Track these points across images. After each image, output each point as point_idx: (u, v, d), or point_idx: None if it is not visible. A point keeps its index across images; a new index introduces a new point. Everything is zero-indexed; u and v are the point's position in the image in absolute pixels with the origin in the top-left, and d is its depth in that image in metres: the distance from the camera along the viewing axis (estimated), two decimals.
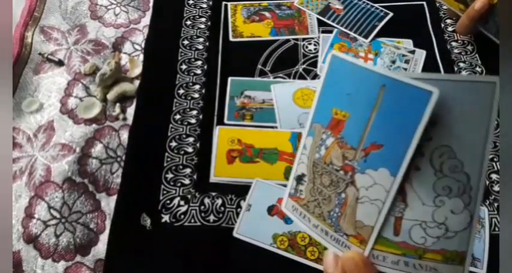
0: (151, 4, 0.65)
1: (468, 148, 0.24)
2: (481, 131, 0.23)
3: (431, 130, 0.23)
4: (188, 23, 0.63)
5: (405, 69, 0.58)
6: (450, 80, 0.24)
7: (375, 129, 0.25)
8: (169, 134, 0.53)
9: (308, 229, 0.29)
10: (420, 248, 0.25)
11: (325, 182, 0.28)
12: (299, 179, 0.30)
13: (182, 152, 0.52)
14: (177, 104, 0.55)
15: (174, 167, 0.50)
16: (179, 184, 0.49)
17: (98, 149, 0.52)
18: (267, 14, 0.64)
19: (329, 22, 0.62)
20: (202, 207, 0.48)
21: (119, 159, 0.52)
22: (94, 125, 0.54)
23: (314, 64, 0.59)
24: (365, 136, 0.25)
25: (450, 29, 0.62)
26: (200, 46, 0.60)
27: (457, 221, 0.24)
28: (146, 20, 0.64)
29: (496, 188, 0.49)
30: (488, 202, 0.48)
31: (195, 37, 0.61)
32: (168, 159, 0.51)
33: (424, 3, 0.65)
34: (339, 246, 0.27)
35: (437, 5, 0.64)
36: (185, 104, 0.55)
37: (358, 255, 0.26)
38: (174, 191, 0.49)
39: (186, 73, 0.58)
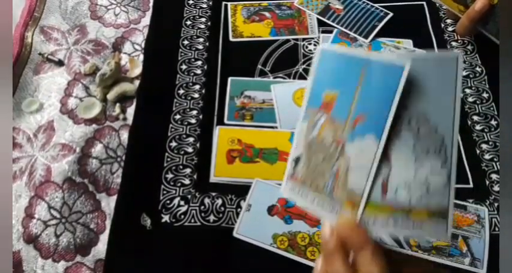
0: (151, 4, 0.65)
1: (440, 113, 0.27)
2: (450, 97, 0.27)
3: (407, 100, 0.27)
4: (188, 23, 0.63)
5: None
6: (420, 58, 0.28)
7: (360, 103, 0.28)
8: (169, 134, 0.53)
9: (306, 204, 0.31)
10: (406, 207, 0.27)
11: (319, 159, 0.30)
12: (296, 160, 0.32)
13: (182, 152, 0.52)
14: (177, 104, 0.55)
15: (174, 167, 0.50)
16: (179, 184, 0.49)
17: (98, 149, 0.52)
18: (267, 14, 0.64)
19: (329, 22, 0.62)
20: (202, 207, 0.48)
21: (119, 159, 0.52)
22: (94, 125, 0.54)
23: None
24: (352, 110, 0.29)
25: (450, 29, 0.62)
26: (200, 46, 0.60)
27: (437, 178, 0.27)
28: (146, 20, 0.64)
29: (496, 188, 0.49)
30: (488, 202, 0.48)
31: (195, 37, 0.61)
32: (168, 159, 0.51)
33: (424, 3, 0.65)
34: (335, 215, 0.29)
35: (437, 5, 0.64)
36: (185, 104, 0.55)
37: (350, 220, 0.28)
38: (174, 191, 0.49)
39: (186, 73, 0.58)
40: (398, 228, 0.27)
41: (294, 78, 0.58)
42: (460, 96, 0.27)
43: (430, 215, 0.27)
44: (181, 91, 0.56)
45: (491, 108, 0.54)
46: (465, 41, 0.61)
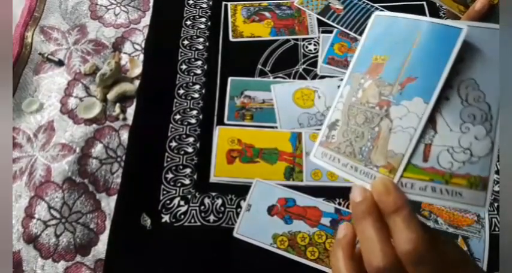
0: (151, 4, 0.65)
1: (489, 81, 0.27)
2: (497, 64, 0.27)
3: (459, 66, 0.27)
4: (188, 23, 0.63)
5: None
6: (476, 26, 0.28)
7: (411, 65, 0.28)
8: (169, 134, 0.53)
9: (337, 169, 0.30)
10: (447, 172, 0.27)
11: (359, 121, 0.30)
12: (332, 125, 0.31)
13: (182, 152, 0.52)
14: (177, 104, 0.55)
15: (174, 167, 0.50)
16: (179, 184, 0.49)
17: (98, 149, 0.52)
18: (267, 14, 0.64)
19: (329, 22, 0.62)
20: (202, 207, 0.48)
21: (119, 159, 0.52)
22: (94, 125, 0.54)
23: (314, 64, 0.59)
24: (402, 72, 0.28)
25: None
26: (200, 46, 0.60)
27: (481, 146, 0.27)
28: (146, 20, 0.64)
29: (496, 188, 0.49)
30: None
31: (195, 37, 0.61)
32: (168, 159, 0.51)
33: (424, 3, 0.65)
34: (368, 179, 0.28)
35: (437, 5, 0.64)
36: (185, 104, 0.55)
37: (388, 179, 0.27)
38: (174, 191, 0.49)
39: (186, 73, 0.58)
40: (437, 194, 0.27)
41: (294, 78, 0.58)
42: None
43: (470, 183, 0.26)
44: (181, 91, 0.56)
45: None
46: None
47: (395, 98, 0.28)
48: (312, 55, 0.60)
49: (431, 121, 0.27)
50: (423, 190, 0.27)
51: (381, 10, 0.64)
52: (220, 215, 0.48)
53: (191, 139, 0.53)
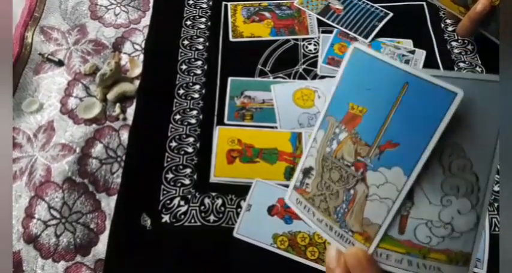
0: (151, 4, 0.65)
1: (478, 148, 0.24)
2: (493, 131, 0.24)
3: (445, 128, 0.23)
4: (188, 23, 0.63)
5: None
6: (467, 79, 0.24)
7: (393, 126, 0.24)
8: (169, 134, 0.53)
9: (312, 223, 0.28)
10: (425, 247, 0.24)
11: (334, 178, 0.27)
12: (306, 172, 0.29)
13: (182, 152, 0.52)
14: (177, 104, 0.55)
15: (174, 167, 0.50)
16: (179, 184, 0.49)
17: (98, 149, 0.52)
18: (267, 14, 0.64)
19: (329, 22, 0.62)
20: (202, 207, 0.48)
21: (119, 159, 0.52)
22: (94, 125, 0.54)
23: (314, 64, 0.59)
24: (382, 134, 0.25)
25: (450, 28, 0.62)
26: (200, 46, 0.60)
27: (464, 221, 0.24)
28: (146, 20, 0.64)
29: (496, 188, 0.49)
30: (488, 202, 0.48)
31: (195, 37, 0.61)
32: (168, 159, 0.51)
33: (424, 3, 0.65)
34: (343, 242, 0.27)
35: (438, 5, 0.64)
36: (185, 104, 0.55)
37: (362, 252, 0.25)
38: (174, 191, 0.49)
39: (186, 73, 0.58)
40: (413, 268, 0.24)
41: (294, 78, 0.58)
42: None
43: (449, 259, 0.24)
44: (181, 91, 0.56)
45: None
46: (465, 41, 0.61)
47: (372, 162, 0.25)
48: (312, 55, 0.60)
49: (408, 191, 0.24)
50: (399, 263, 0.25)
51: (381, 10, 0.64)
52: (220, 215, 0.48)
53: (191, 139, 0.53)
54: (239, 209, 0.48)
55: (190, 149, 0.52)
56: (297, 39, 0.61)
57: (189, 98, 0.56)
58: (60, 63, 0.59)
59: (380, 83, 0.25)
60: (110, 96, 0.55)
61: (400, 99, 0.24)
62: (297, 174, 0.30)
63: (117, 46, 0.61)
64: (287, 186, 0.49)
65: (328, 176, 0.27)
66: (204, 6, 0.65)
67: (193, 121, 0.54)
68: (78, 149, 0.52)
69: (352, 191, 0.26)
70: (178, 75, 0.58)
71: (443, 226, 0.24)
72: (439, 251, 0.24)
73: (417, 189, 0.24)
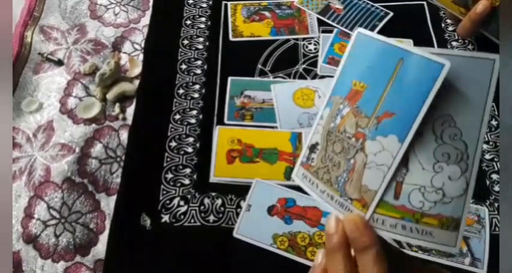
0: (151, 4, 0.65)
1: (467, 118, 0.26)
2: (481, 102, 0.26)
3: (435, 100, 0.25)
4: (188, 22, 0.63)
5: None
6: (458, 55, 0.26)
7: (389, 98, 0.27)
8: (169, 134, 0.53)
9: (315, 195, 0.30)
10: (418, 212, 0.26)
11: (336, 149, 0.29)
12: (312, 147, 0.31)
13: (182, 152, 0.51)
14: (177, 104, 0.55)
15: (174, 167, 0.50)
16: (179, 184, 0.49)
17: (97, 149, 0.52)
18: (267, 13, 0.64)
19: (329, 22, 0.62)
20: (202, 207, 0.48)
21: (118, 159, 0.52)
22: (94, 125, 0.54)
23: (314, 64, 0.59)
24: (379, 105, 0.27)
25: (450, 28, 0.62)
26: (200, 46, 0.60)
27: (454, 187, 0.26)
28: (146, 20, 0.63)
29: (496, 188, 0.49)
30: (488, 202, 0.48)
31: (195, 37, 0.61)
32: (168, 159, 0.51)
33: (424, 3, 0.65)
34: (343, 210, 0.28)
35: (438, 5, 0.64)
36: (185, 104, 0.55)
37: (359, 217, 0.27)
38: (174, 191, 0.49)
39: (186, 73, 0.58)
40: (407, 232, 0.26)
41: (294, 77, 0.58)
42: (491, 102, 0.25)
43: (441, 223, 0.26)
44: (181, 91, 0.56)
45: (492, 108, 0.54)
46: (465, 41, 0.61)
47: (371, 132, 0.27)
48: (312, 55, 0.60)
49: (403, 158, 0.26)
50: (393, 227, 0.26)
51: (381, 10, 0.63)
52: (220, 215, 0.48)
53: (191, 139, 0.52)
54: (239, 209, 0.48)
55: (190, 149, 0.52)
56: (297, 39, 0.61)
57: (189, 98, 0.56)
58: (59, 63, 0.59)
59: (379, 61, 0.28)
60: (110, 95, 0.55)
61: (396, 73, 0.27)
62: (304, 150, 0.32)
63: (116, 46, 0.61)
64: (287, 186, 0.49)
65: (332, 149, 0.29)
66: (204, 5, 0.64)
67: (193, 121, 0.54)
68: (77, 149, 0.52)
69: (352, 161, 0.28)
70: (178, 75, 0.57)
71: (435, 191, 0.26)
72: (431, 216, 0.26)
73: (412, 156, 0.26)
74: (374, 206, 0.27)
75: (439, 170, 0.26)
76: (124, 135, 0.53)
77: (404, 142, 0.26)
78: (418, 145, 0.26)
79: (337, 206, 0.29)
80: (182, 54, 0.59)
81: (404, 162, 0.26)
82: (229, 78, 0.57)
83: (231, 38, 0.61)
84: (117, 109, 0.55)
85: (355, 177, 0.28)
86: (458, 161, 0.26)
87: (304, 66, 0.59)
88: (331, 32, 0.62)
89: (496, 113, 0.53)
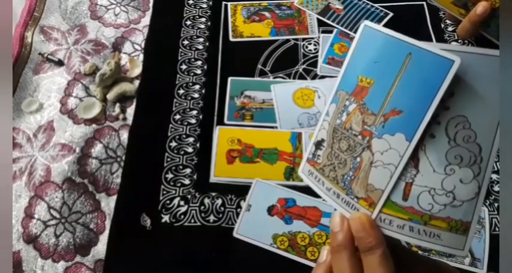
0: (151, 4, 0.65)
1: (483, 120, 0.25)
2: (497, 104, 0.24)
3: (449, 100, 0.24)
4: (188, 23, 0.63)
5: None
6: (473, 53, 0.25)
7: (397, 95, 0.26)
8: (169, 134, 0.53)
9: (321, 192, 0.30)
10: (426, 214, 0.25)
11: (342, 147, 0.28)
12: (318, 144, 0.30)
13: (182, 152, 0.51)
14: (177, 104, 0.55)
15: (174, 168, 0.50)
16: (179, 184, 0.49)
17: (97, 149, 0.52)
18: (267, 14, 0.64)
19: (329, 22, 0.62)
20: (202, 207, 0.48)
21: (118, 159, 0.52)
22: (94, 125, 0.54)
23: (314, 64, 0.59)
24: (386, 102, 0.26)
25: (450, 29, 0.62)
26: (200, 46, 0.60)
27: (465, 190, 0.25)
28: (146, 20, 0.64)
29: (496, 188, 0.49)
30: (488, 202, 0.48)
31: (195, 37, 0.61)
32: (168, 159, 0.51)
33: (424, 3, 0.65)
34: (349, 208, 0.28)
35: (438, 6, 0.64)
36: (185, 104, 0.55)
37: (365, 216, 0.26)
38: (174, 191, 0.49)
39: (186, 73, 0.58)
40: (414, 234, 0.25)
41: (294, 78, 0.58)
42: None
43: (450, 227, 0.25)
44: (181, 91, 0.56)
45: None
46: (465, 41, 0.61)
47: (377, 130, 0.26)
48: (312, 55, 0.60)
49: (413, 159, 0.25)
50: (401, 228, 0.26)
51: (381, 10, 0.64)
52: (220, 215, 0.48)
53: (191, 139, 0.53)
54: (239, 209, 0.48)
55: (190, 149, 0.52)
56: (297, 39, 0.61)
57: (189, 98, 0.56)
58: (60, 63, 0.59)
59: (386, 55, 0.27)
60: (110, 96, 0.55)
61: (404, 69, 0.26)
62: (310, 147, 0.31)
63: (117, 46, 0.61)
64: (287, 186, 0.49)
65: (338, 147, 0.29)
66: (204, 6, 0.65)
67: (193, 121, 0.54)
68: (78, 149, 0.52)
69: (358, 159, 0.27)
70: (178, 75, 0.58)
71: (445, 194, 0.25)
72: (440, 219, 0.25)
73: (423, 157, 0.25)
74: (381, 205, 0.26)
75: (450, 173, 0.25)
76: (124, 135, 0.53)
77: (412, 141, 0.25)
78: (429, 147, 0.25)
79: (343, 205, 0.28)
80: (182, 54, 0.60)
81: (415, 163, 0.25)
82: (229, 78, 0.57)
83: (231, 38, 0.61)
84: (117, 109, 0.55)
85: (361, 176, 0.27)
86: (471, 164, 0.25)
87: (304, 66, 0.59)
88: (331, 32, 0.62)
89: None
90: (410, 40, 0.26)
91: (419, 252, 0.45)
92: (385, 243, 0.26)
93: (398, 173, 0.26)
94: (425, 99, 0.24)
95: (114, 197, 0.49)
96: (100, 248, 0.46)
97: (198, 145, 0.52)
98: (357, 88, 0.28)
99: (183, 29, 0.62)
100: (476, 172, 0.25)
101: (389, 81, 0.26)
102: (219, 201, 0.48)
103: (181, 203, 0.48)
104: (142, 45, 0.61)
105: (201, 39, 0.61)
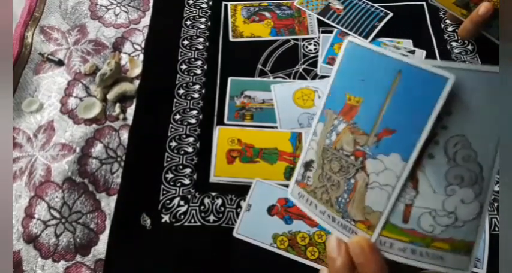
0: (151, 4, 0.65)
1: (483, 139, 0.24)
2: (496, 121, 0.24)
3: (447, 119, 0.24)
4: (188, 23, 0.63)
5: None
6: (468, 69, 0.24)
7: (389, 114, 0.25)
8: (169, 134, 0.53)
9: (315, 216, 0.28)
10: (428, 236, 0.25)
11: (334, 168, 0.27)
12: (307, 165, 0.29)
13: (182, 152, 0.52)
14: (177, 104, 0.55)
15: (174, 167, 0.50)
16: (179, 184, 0.49)
17: (98, 149, 0.52)
18: (267, 14, 0.64)
19: (329, 22, 0.62)
20: (202, 207, 0.48)
21: (119, 159, 0.52)
22: (94, 125, 0.54)
23: (314, 64, 0.59)
24: (378, 122, 0.25)
25: (450, 29, 0.62)
26: (200, 46, 0.60)
27: (467, 210, 0.24)
28: (146, 20, 0.64)
29: (496, 188, 0.49)
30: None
31: (195, 37, 0.61)
32: (168, 159, 0.51)
33: (424, 3, 0.65)
34: (346, 232, 0.27)
35: (439, 7, 0.64)
36: (185, 104, 0.55)
37: (365, 240, 0.26)
38: (174, 191, 0.49)
39: (186, 73, 0.58)
40: (416, 257, 0.25)
41: (294, 78, 0.58)
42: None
43: (453, 247, 0.24)
44: (181, 91, 0.56)
45: None
46: (465, 41, 0.61)
47: (371, 150, 0.25)
48: (312, 55, 0.60)
49: (412, 180, 0.24)
50: (402, 251, 0.25)
51: (381, 10, 0.64)
52: (220, 215, 0.48)
53: (191, 139, 0.53)
54: (239, 209, 0.48)
55: (190, 149, 0.52)
56: (297, 39, 0.61)
57: (189, 98, 0.56)
58: (60, 63, 0.59)
59: (374, 73, 0.26)
60: (110, 95, 0.55)
61: (395, 87, 0.25)
62: (298, 168, 0.30)
63: (117, 46, 0.61)
64: (287, 186, 0.49)
65: (329, 168, 0.28)
66: (204, 6, 0.65)
67: (193, 121, 0.54)
68: (78, 149, 0.52)
69: (352, 181, 0.26)
70: (178, 75, 0.58)
71: (447, 215, 0.24)
72: (443, 240, 0.25)
73: (422, 178, 0.24)
74: (380, 228, 0.25)
75: (451, 194, 0.24)
76: (124, 135, 0.53)
77: (409, 161, 0.24)
78: (429, 167, 0.24)
79: (339, 228, 0.27)
80: (182, 54, 0.60)
81: (414, 184, 0.25)
82: (229, 78, 0.57)
83: (231, 38, 0.61)
84: (117, 109, 0.55)
85: (357, 198, 0.26)
86: (472, 184, 0.24)
87: (304, 66, 0.59)
88: (331, 32, 0.62)
89: None
90: (399, 56, 0.25)
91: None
92: (386, 267, 0.25)
93: (396, 194, 0.25)
94: (420, 118, 0.24)
95: (114, 197, 0.49)
96: (100, 248, 0.46)
97: (198, 145, 0.52)
98: (345, 107, 0.27)
99: (183, 29, 0.62)
100: (478, 192, 0.24)
101: (379, 99, 0.25)
102: (219, 201, 0.48)
103: (181, 203, 0.48)
104: (143, 45, 0.61)
105: (201, 39, 0.61)
